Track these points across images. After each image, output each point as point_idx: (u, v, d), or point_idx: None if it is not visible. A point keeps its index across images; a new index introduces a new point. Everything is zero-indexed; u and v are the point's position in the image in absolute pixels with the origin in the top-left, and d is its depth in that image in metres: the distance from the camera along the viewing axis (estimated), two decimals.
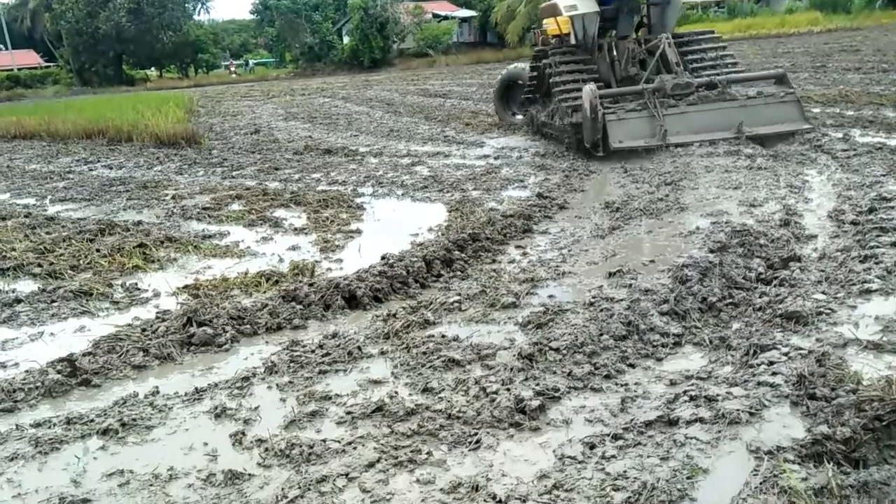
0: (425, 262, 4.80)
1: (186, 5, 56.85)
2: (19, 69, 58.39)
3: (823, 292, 3.80)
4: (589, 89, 8.13)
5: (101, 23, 49.39)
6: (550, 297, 4.13)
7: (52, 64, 61.74)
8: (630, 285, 4.16)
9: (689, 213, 5.76)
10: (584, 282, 4.38)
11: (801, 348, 3.16)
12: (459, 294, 4.24)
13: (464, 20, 55.88)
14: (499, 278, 4.54)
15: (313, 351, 3.58)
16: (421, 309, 4.05)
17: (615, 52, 9.46)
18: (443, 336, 3.62)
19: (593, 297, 4.00)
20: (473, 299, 4.16)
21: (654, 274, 4.34)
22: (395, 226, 6.26)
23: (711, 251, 4.51)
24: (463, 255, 5.06)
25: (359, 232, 6.11)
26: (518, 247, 5.32)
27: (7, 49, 65.68)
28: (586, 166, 8.06)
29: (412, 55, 47.56)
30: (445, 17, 53.74)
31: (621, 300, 3.90)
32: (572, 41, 9.55)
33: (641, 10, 9.83)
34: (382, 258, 4.88)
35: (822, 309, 3.56)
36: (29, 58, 66.32)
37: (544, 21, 10.57)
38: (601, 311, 3.77)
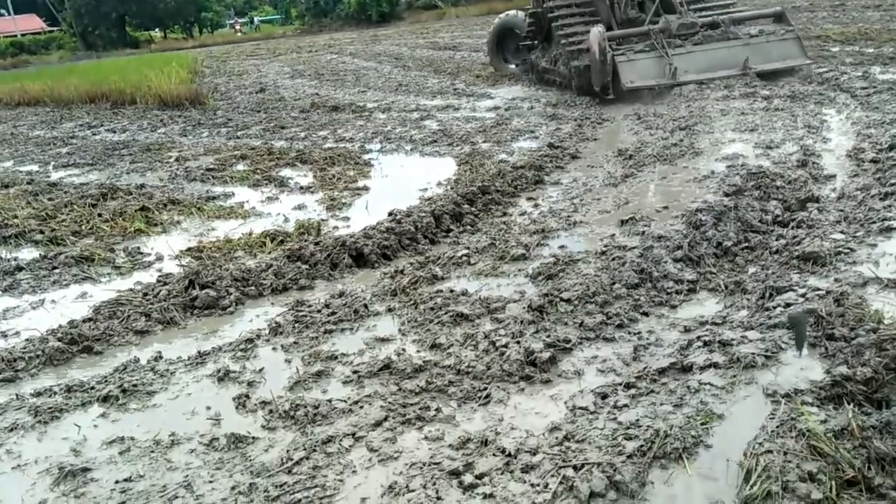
0: (434, 216, 4.68)
1: None
2: (22, 35, 57.82)
3: (842, 232, 3.66)
4: (597, 31, 8.10)
5: None
6: (561, 247, 4.01)
7: (55, 28, 61.09)
8: (643, 233, 4.02)
9: (703, 158, 5.57)
10: (595, 231, 4.25)
11: (818, 289, 3.04)
12: (468, 248, 4.13)
13: None
14: (509, 231, 4.41)
15: (319, 311, 3.50)
16: (429, 264, 3.94)
17: None
18: (451, 291, 3.52)
19: (605, 246, 3.88)
20: (483, 252, 4.05)
21: (667, 220, 4.20)
22: (403, 182, 6.12)
23: (726, 195, 4.37)
24: (473, 208, 4.93)
25: (366, 189, 5.97)
26: (529, 198, 5.18)
27: (9, 14, 65.03)
28: (599, 114, 7.84)
29: (421, 8, 46.56)
30: None
31: (634, 248, 3.78)
32: None
33: None
34: (390, 214, 4.76)
35: (840, 249, 3.43)
36: (32, 23, 65.62)
37: None
38: (613, 259, 3.65)
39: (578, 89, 8.89)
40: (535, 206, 4.98)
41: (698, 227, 3.87)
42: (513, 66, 12.10)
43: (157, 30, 58.10)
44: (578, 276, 3.45)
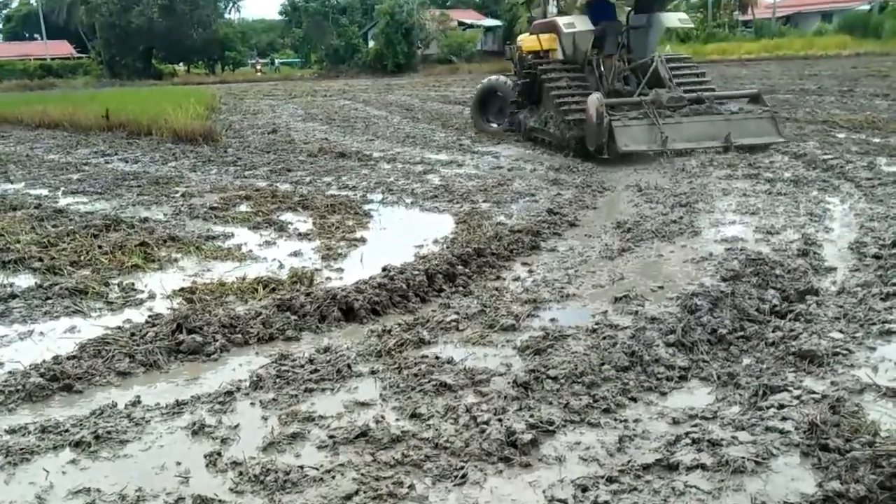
0: (427, 275, 4.66)
1: (218, 3, 57.46)
2: (52, 59, 59.23)
3: (841, 330, 3.61)
4: (595, 98, 8.92)
5: (134, 17, 50.00)
6: (552, 320, 3.98)
7: (84, 55, 62.53)
8: (636, 312, 4.00)
9: (702, 238, 5.58)
10: (588, 306, 4.23)
11: (814, 392, 2.99)
12: (458, 313, 4.10)
13: (488, 29, 55.87)
14: (501, 297, 4.39)
15: (302, 366, 3.46)
16: (417, 326, 3.91)
17: (602, 68, 10.46)
18: (437, 357, 3.48)
19: (597, 324, 3.85)
20: (472, 319, 4.02)
21: (662, 301, 4.18)
22: (400, 236, 6.13)
23: (724, 279, 4.36)
24: (467, 269, 4.92)
25: (363, 240, 5.98)
26: (524, 264, 5.17)
27: (42, 39, 66.72)
28: (600, 182, 7.90)
29: (435, 61, 47.60)
30: (470, 26, 53.77)
31: (626, 328, 3.75)
32: (559, 56, 10.82)
33: (623, 32, 10.78)
34: (383, 270, 4.75)
35: (838, 349, 3.38)
36: (62, 48, 67.30)
37: (520, 39, 12.41)
38: (604, 338, 3.62)
39: (573, 148, 9.60)
40: (530, 272, 4.97)
41: (693, 311, 3.84)
42: (494, 126, 12.72)
43: (181, 63, 59.34)
44: (567, 354, 3.42)
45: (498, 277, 4.89)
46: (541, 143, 10.74)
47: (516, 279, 4.82)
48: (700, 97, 9.51)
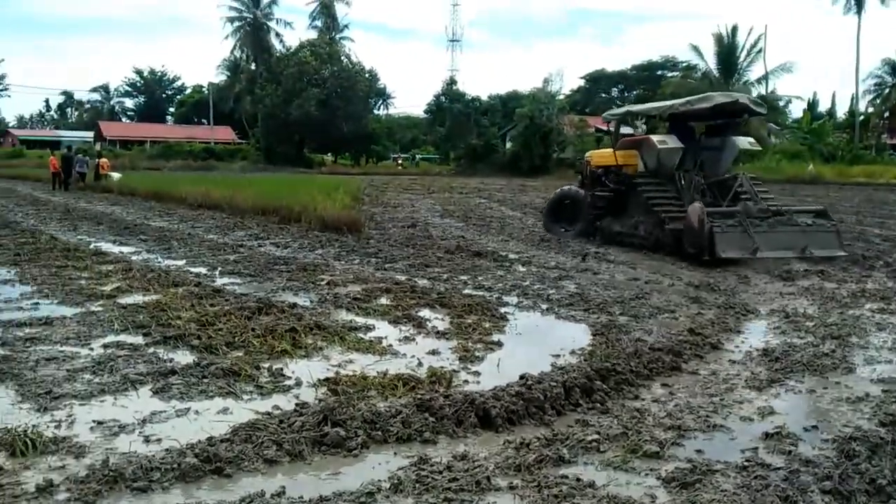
0: (564, 388, 4.63)
1: (369, 100, 61.89)
2: (215, 143, 65.78)
3: None
4: (698, 206, 10.19)
5: (293, 109, 54.83)
6: (698, 451, 3.80)
7: (243, 141, 68.85)
8: (789, 452, 3.75)
9: (857, 376, 5.20)
10: (737, 439, 4.01)
11: None
12: (598, 432, 4.01)
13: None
14: (642, 420, 4.26)
15: (441, 472, 3.48)
16: (556, 442, 3.86)
17: (682, 182, 11.73)
18: (578, 479, 3.40)
19: (747, 461, 3.64)
20: (613, 440, 3.92)
21: (816, 442, 3.91)
22: (536, 342, 6.15)
23: (883, 424, 4.07)
24: (605, 385, 4.83)
25: (499, 344, 6.04)
26: (664, 385, 5.01)
27: (209, 124, 74.34)
28: (743, 304, 7.60)
29: (570, 165, 48.28)
30: (607, 133, 54.44)
31: (778, 468, 3.53)
32: (640, 170, 12.38)
33: (701, 152, 12.25)
34: (521, 378, 4.76)
35: None
36: (225, 133, 74.67)
37: (588, 154, 14.60)
38: (755, 478, 3.41)
39: (672, 251, 10.81)
40: (671, 394, 4.80)
41: (851, 457, 3.58)
42: (562, 230, 13.76)
43: (329, 154, 63.86)
44: (716, 491, 3.25)
45: (637, 397, 4.76)
46: (628, 245, 11.93)
47: (657, 401, 4.67)
48: (780, 210, 10.87)
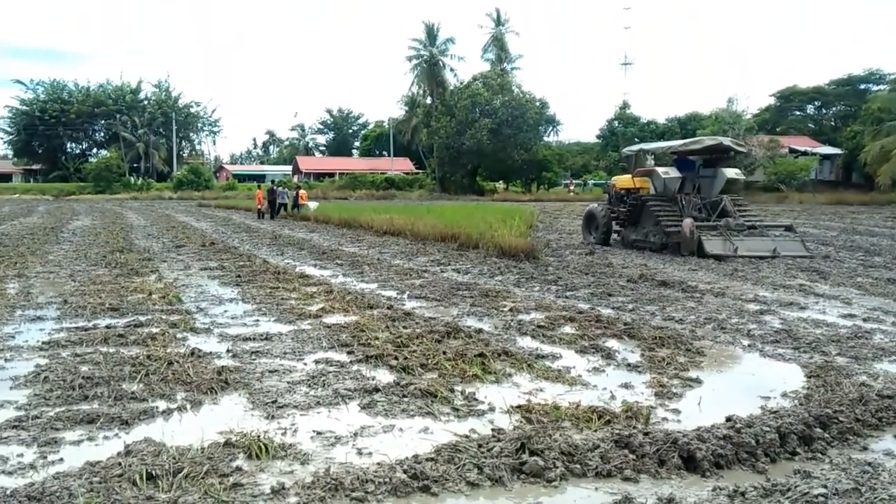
0: (779, 433, 4.25)
1: (539, 128, 62.23)
2: (395, 173, 69.63)
3: None
4: (689, 221, 14.46)
5: (466, 139, 56.48)
6: None
7: (420, 171, 72.08)
8: None
9: None
10: None
11: None
12: (825, 486, 3.62)
13: (825, 157, 51.96)
14: (876, 476, 3.79)
15: None
16: (776, 493, 3.54)
17: (683, 202, 15.75)
18: None
19: None
20: (843, 497, 3.52)
21: None
22: (740, 382, 5.73)
23: None
24: (826, 434, 4.38)
25: (698, 381, 5.68)
26: None
27: (389, 156, 78.84)
28: None
29: (759, 189, 45.26)
30: (804, 153, 50.53)
31: None
32: (651, 192, 16.65)
33: (697, 179, 16.33)
34: (727, 420, 4.44)
35: None
36: (404, 164, 78.74)
37: (613, 179, 19.68)
38: None
39: (671, 251, 14.89)
40: None
41: None
42: (592, 238, 17.68)
43: (501, 181, 64.81)
44: None
45: (865, 448, 4.26)
46: (642, 249, 15.95)
47: (889, 454, 4.15)
48: (753, 224, 15.19)
